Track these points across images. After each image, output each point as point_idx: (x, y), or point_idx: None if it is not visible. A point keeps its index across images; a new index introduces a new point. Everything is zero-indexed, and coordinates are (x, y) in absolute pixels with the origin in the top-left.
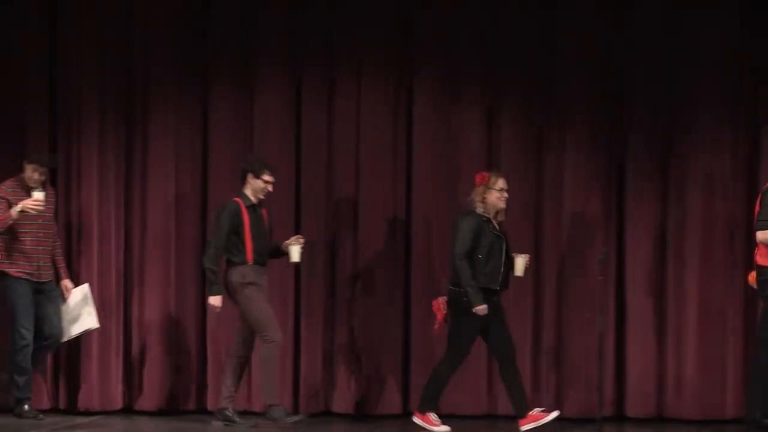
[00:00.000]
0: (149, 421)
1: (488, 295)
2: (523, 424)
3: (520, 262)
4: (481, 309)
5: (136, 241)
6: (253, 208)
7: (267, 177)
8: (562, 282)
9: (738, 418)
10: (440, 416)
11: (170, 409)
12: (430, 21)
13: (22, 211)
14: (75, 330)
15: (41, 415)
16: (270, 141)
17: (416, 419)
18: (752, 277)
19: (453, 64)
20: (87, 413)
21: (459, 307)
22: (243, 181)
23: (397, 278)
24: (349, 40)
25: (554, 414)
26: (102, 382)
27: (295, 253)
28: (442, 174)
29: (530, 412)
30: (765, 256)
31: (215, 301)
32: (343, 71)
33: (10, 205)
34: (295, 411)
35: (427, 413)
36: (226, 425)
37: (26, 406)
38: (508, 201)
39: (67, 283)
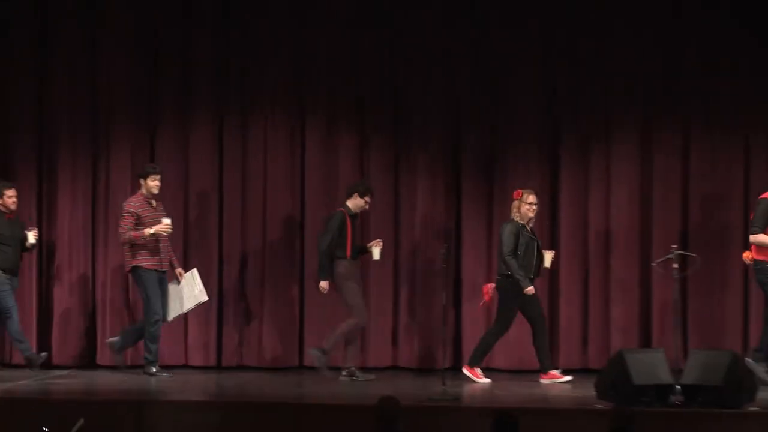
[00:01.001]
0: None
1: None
2: (544, 378)
3: (548, 257)
4: (530, 290)
5: (100, 240)
6: (353, 217)
7: (368, 198)
8: (415, 269)
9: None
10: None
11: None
12: (317, 75)
13: (153, 233)
14: (189, 304)
15: (168, 374)
16: (201, 162)
17: (466, 371)
18: (746, 255)
19: (334, 107)
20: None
21: (505, 291)
22: (348, 196)
23: (293, 270)
24: (259, 89)
25: (568, 377)
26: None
27: (376, 253)
28: (327, 187)
29: (551, 371)
30: (758, 252)
31: (324, 284)
32: (255, 111)
33: (137, 219)
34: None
35: (475, 368)
36: (352, 379)
37: (154, 368)
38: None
39: (180, 270)
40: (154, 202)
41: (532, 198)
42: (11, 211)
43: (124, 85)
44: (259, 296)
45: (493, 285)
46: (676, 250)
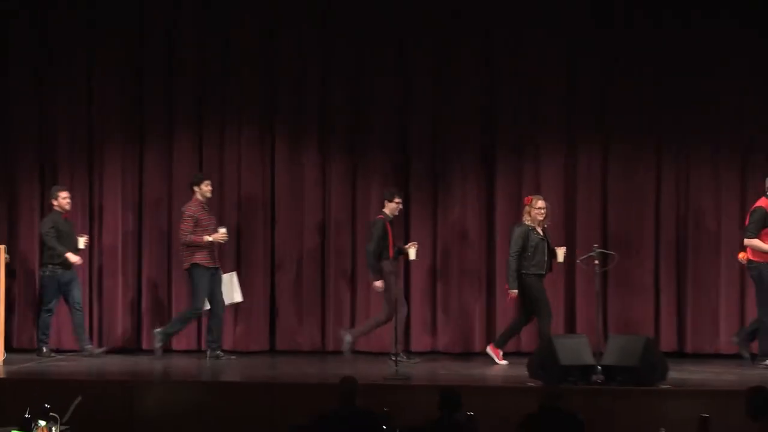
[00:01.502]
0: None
1: (539, 277)
2: (490, 348)
3: (560, 253)
4: (513, 293)
5: (95, 242)
6: (391, 222)
7: (397, 199)
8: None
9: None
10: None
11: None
12: (285, 95)
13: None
14: (226, 302)
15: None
16: (183, 172)
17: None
18: (741, 255)
19: (300, 121)
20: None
21: (522, 288)
22: (383, 205)
23: (265, 263)
24: (233, 107)
25: (503, 362)
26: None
27: (412, 253)
28: (293, 194)
29: (499, 349)
30: (753, 254)
31: (379, 283)
32: (230, 126)
33: (195, 222)
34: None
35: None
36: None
37: (160, 343)
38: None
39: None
40: (223, 228)
41: (540, 203)
42: (66, 211)
43: (117, 104)
44: None
45: None
46: (597, 249)
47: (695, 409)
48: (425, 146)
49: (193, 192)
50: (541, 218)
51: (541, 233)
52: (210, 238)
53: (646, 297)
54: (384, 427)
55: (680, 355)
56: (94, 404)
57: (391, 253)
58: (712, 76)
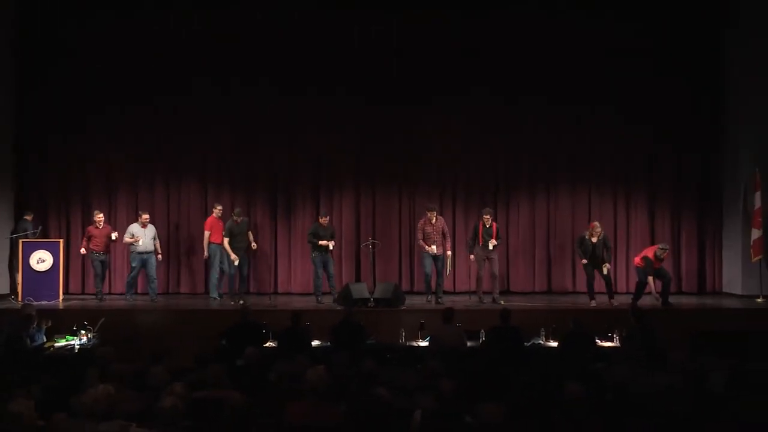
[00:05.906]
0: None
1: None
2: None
3: (605, 268)
4: (584, 261)
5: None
6: (485, 226)
7: (487, 216)
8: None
9: None
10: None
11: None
12: (211, 163)
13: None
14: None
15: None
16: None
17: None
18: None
19: (220, 179)
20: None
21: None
22: (481, 216)
23: None
24: (192, 173)
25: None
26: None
27: (492, 242)
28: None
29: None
30: (640, 261)
31: (472, 257)
32: (173, 181)
33: (423, 232)
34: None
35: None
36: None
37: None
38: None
39: (444, 251)
40: (433, 222)
41: (594, 226)
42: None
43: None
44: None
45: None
46: (371, 240)
47: (418, 319)
48: (283, 187)
49: (424, 215)
50: (594, 233)
51: (594, 240)
52: (431, 248)
53: (395, 263)
54: (264, 330)
55: (412, 292)
56: (113, 322)
57: (480, 242)
58: None
